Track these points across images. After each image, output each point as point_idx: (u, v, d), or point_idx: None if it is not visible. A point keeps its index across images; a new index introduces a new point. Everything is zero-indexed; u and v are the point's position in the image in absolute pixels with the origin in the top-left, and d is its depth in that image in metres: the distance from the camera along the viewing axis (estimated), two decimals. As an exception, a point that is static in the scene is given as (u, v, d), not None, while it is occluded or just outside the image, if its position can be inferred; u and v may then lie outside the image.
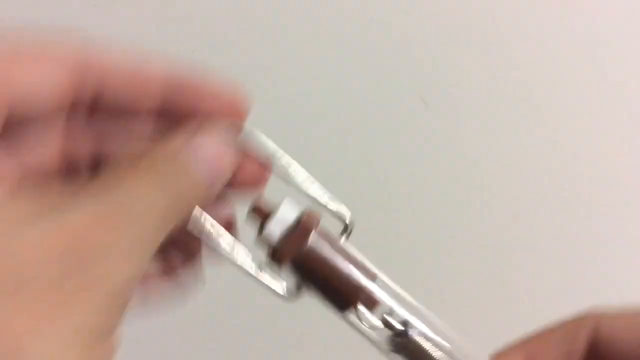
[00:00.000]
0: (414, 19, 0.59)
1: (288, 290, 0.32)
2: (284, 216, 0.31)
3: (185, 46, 0.57)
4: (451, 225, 0.62)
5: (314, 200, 0.33)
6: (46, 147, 0.28)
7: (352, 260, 0.32)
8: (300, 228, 0.31)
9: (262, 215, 0.32)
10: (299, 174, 0.33)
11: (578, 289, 0.63)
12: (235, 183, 0.30)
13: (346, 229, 0.33)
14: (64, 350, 0.21)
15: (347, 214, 0.33)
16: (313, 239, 0.31)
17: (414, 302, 0.33)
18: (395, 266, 0.62)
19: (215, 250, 0.31)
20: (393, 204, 0.62)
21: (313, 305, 0.31)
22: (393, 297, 0.33)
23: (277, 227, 0.31)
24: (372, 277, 0.32)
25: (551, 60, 0.61)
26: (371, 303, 0.32)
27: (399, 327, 0.32)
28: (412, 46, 0.59)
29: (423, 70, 0.59)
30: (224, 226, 0.31)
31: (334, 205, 0.33)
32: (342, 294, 0.31)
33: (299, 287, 0.32)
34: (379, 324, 0.32)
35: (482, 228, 0.63)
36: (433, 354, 0.32)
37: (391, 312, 0.32)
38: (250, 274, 0.31)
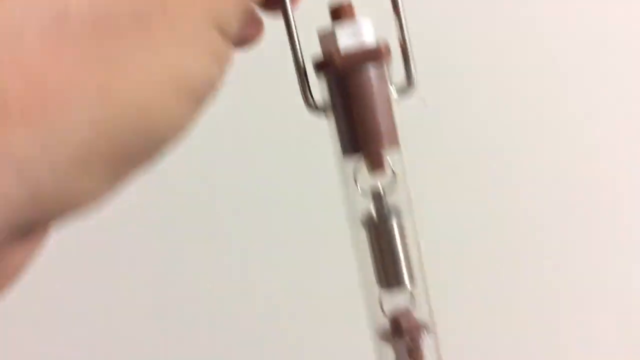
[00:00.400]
0: (413, 19, 0.58)
1: (314, 99, 0.29)
2: (362, 29, 0.28)
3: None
4: (451, 225, 0.62)
5: (399, 34, 0.30)
6: None
7: (391, 115, 0.29)
8: (372, 51, 0.28)
9: (339, 15, 0.29)
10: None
11: (576, 287, 0.63)
12: None
13: (407, 86, 0.30)
14: (205, 29, 0.23)
15: (415, 73, 0.30)
16: (376, 69, 0.28)
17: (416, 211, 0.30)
18: None
19: (287, 24, 0.28)
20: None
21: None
22: (399, 181, 0.30)
23: (348, 34, 0.28)
24: (397, 143, 0.29)
25: (551, 60, 0.60)
26: (379, 164, 0.29)
27: (386, 207, 0.30)
28: (412, 46, 0.58)
29: (423, 70, 0.58)
30: None
31: (411, 54, 0.30)
32: (362, 136, 0.28)
33: (325, 104, 0.29)
34: (368, 189, 0.30)
35: (481, 227, 0.62)
36: (397, 248, 0.30)
37: (388, 190, 0.30)
38: (297, 61, 0.29)
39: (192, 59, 0.23)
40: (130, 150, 0.22)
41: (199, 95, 0.23)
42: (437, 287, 0.30)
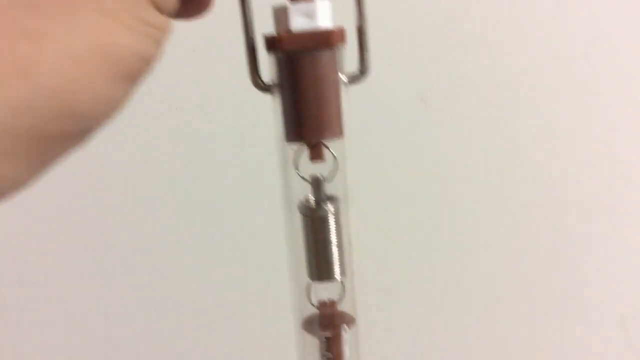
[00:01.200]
0: (413, 19, 0.57)
1: (262, 78, 0.28)
2: (318, 10, 0.27)
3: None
4: (449, 224, 0.62)
5: (357, 17, 0.28)
6: None
7: (337, 103, 0.28)
8: (324, 35, 0.26)
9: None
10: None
11: (575, 286, 0.63)
12: None
13: (360, 73, 0.29)
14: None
15: (368, 61, 0.29)
16: (326, 54, 0.27)
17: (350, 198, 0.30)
18: (393, 264, 0.60)
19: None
20: (392, 202, 0.61)
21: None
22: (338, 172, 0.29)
23: (302, 15, 0.27)
24: (340, 134, 0.28)
25: (550, 60, 0.59)
26: (318, 153, 0.28)
27: (324, 195, 0.29)
28: (412, 46, 0.58)
29: (423, 70, 0.58)
30: None
31: (366, 43, 0.28)
32: (305, 124, 0.27)
33: (273, 84, 0.28)
34: (308, 177, 0.29)
35: (480, 226, 0.61)
36: (331, 240, 0.29)
37: (327, 179, 0.29)
38: (247, 36, 0.27)
39: (121, 34, 0.20)
40: (56, 133, 0.20)
41: (131, 73, 0.21)
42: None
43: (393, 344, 0.62)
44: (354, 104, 0.58)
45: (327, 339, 0.29)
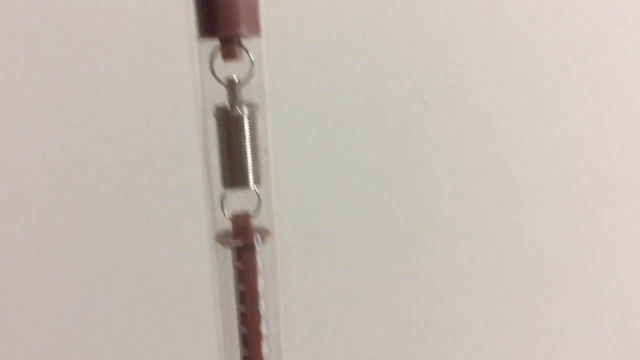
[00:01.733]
0: (413, 19, 0.57)
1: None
2: None
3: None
4: (449, 224, 0.61)
5: None
6: None
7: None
8: None
9: None
10: None
11: (576, 288, 0.63)
12: None
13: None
14: None
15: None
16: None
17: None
18: (393, 265, 0.59)
19: None
20: (392, 203, 0.59)
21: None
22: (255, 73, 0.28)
23: None
24: (256, 31, 0.27)
25: (550, 60, 0.59)
26: (231, 50, 0.27)
27: (240, 98, 0.28)
28: (412, 46, 0.57)
29: (423, 70, 0.57)
30: None
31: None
32: (217, 13, 0.26)
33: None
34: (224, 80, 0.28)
35: (480, 226, 0.60)
36: (244, 141, 0.28)
37: (243, 82, 0.28)
38: None
39: None
40: None
41: None
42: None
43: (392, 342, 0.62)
44: (354, 102, 0.58)
45: (239, 249, 0.28)
